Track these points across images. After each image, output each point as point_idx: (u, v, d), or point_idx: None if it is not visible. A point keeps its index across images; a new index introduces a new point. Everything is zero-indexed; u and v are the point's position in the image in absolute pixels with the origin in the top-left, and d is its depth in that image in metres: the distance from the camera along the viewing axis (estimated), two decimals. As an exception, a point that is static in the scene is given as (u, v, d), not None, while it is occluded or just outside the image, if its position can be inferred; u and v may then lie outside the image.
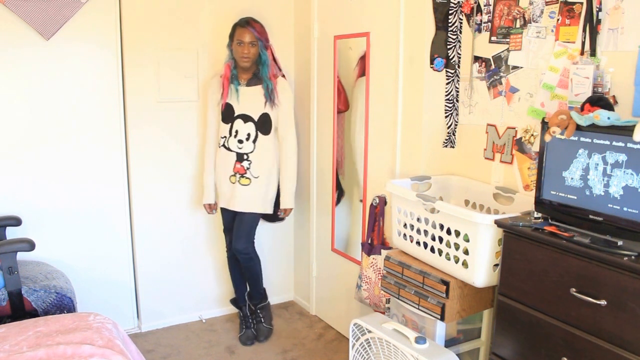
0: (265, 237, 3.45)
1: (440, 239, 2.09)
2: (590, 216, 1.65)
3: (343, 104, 3.04)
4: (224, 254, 3.24)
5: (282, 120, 2.97)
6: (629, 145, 1.54)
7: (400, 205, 2.30)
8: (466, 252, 1.98)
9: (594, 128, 1.64)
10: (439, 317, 2.07)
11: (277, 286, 3.61)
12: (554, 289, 1.66)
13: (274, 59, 3.03)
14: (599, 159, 1.63)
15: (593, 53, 1.88)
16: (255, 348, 3.08)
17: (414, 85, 2.50)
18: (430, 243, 2.15)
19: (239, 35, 2.86)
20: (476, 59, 2.37)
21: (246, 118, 2.93)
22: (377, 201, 2.64)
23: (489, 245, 1.93)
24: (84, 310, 2.72)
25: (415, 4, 2.45)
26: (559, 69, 2.01)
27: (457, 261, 2.03)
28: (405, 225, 2.29)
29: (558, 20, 2.00)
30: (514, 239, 1.79)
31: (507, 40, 2.21)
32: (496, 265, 1.94)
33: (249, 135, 2.92)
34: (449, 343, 2.21)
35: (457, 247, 2.02)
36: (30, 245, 2.34)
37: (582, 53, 1.92)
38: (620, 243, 1.55)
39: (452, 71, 2.45)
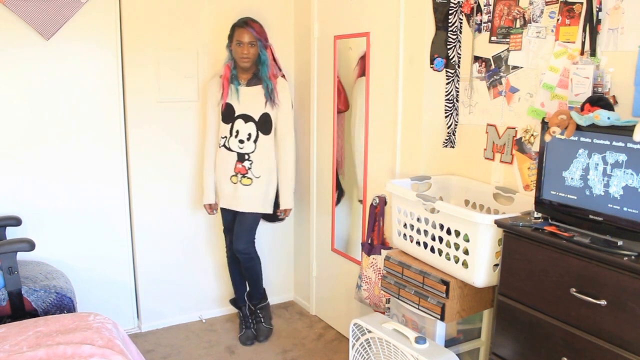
0: (265, 237, 3.45)
1: (440, 239, 2.09)
2: (590, 216, 1.65)
3: (343, 104, 3.04)
4: (224, 254, 3.24)
5: (281, 120, 2.98)
6: (629, 145, 1.54)
7: (400, 205, 2.30)
8: (466, 252, 1.98)
9: (594, 128, 1.64)
10: (439, 317, 2.07)
11: (277, 286, 3.61)
12: (554, 289, 1.66)
13: (274, 59, 3.03)
14: (599, 159, 1.63)
15: (593, 53, 1.88)
16: (255, 348, 3.08)
17: (414, 85, 2.50)
18: (430, 243, 2.15)
19: (238, 35, 2.86)
20: (476, 59, 2.37)
21: (247, 118, 2.93)
22: (377, 201, 2.64)
23: (489, 245, 1.93)
24: (84, 310, 2.72)
25: (415, 4, 2.45)
26: (559, 69, 2.01)
27: (457, 261, 2.03)
28: (405, 225, 2.29)
29: (558, 20, 2.00)
30: (514, 239, 1.79)
31: (507, 40, 2.21)
32: (496, 265, 1.94)
33: (250, 135, 2.93)
34: (449, 343, 2.21)
35: (457, 247, 2.02)
36: (30, 245, 2.34)
37: (582, 53, 1.92)
38: (620, 243, 1.55)
39: (452, 71, 2.45)
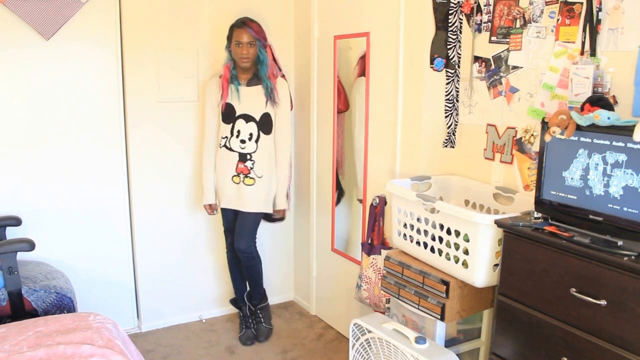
0: (265, 237, 3.45)
1: (440, 239, 2.09)
2: (590, 216, 1.65)
3: (343, 104, 3.04)
4: (224, 254, 3.24)
5: (279, 121, 2.98)
6: (629, 145, 1.54)
7: (400, 205, 2.30)
8: (466, 252, 1.98)
9: (594, 128, 1.64)
10: (439, 317, 2.07)
11: (277, 286, 3.61)
12: (554, 289, 1.66)
13: (274, 59, 3.03)
14: (599, 159, 1.63)
15: (593, 53, 1.88)
16: (255, 348, 3.08)
17: (414, 85, 2.50)
18: (430, 243, 2.15)
19: (236, 36, 2.86)
20: (476, 59, 2.37)
21: (248, 118, 2.93)
22: (377, 201, 2.64)
23: (489, 245, 1.93)
24: (84, 310, 2.72)
25: (415, 4, 2.45)
26: (559, 69, 2.01)
27: (457, 261, 2.03)
28: (405, 225, 2.29)
29: (558, 20, 2.00)
30: (514, 239, 1.79)
31: (507, 40, 2.21)
32: (496, 265, 1.94)
33: (251, 135, 2.93)
34: (449, 343, 2.21)
35: (457, 247, 2.02)
36: (30, 245, 2.34)
37: (582, 53, 1.92)
38: (620, 243, 1.55)
39: (452, 71, 2.45)
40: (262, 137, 2.95)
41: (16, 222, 2.69)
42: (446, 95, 2.48)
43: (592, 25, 1.87)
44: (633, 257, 1.48)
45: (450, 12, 2.39)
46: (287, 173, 3.05)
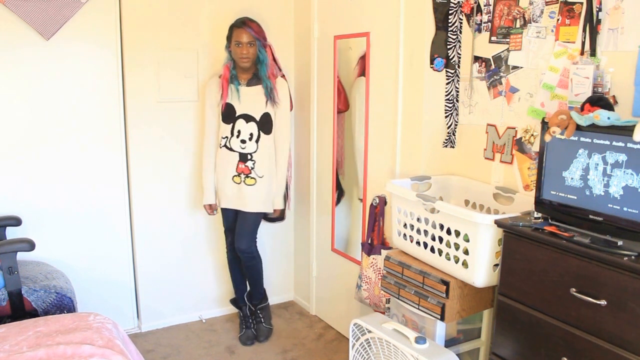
0: (265, 237, 3.45)
1: (440, 239, 2.09)
2: (590, 216, 1.65)
3: (343, 104, 3.04)
4: (224, 254, 3.24)
5: (278, 121, 2.98)
6: (629, 145, 1.54)
7: (400, 205, 2.30)
8: (466, 252, 1.98)
9: (594, 128, 1.64)
10: (439, 317, 2.07)
11: (277, 286, 3.61)
12: (554, 289, 1.66)
13: (274, 59, 3.03)
14: (599, 159, 1.63)
15: (593, 53, 1.88)
16: (255, 348, 3.08)
17: (414, 85, 2.50)
18: (430, 243, 2.15)
19: (236, 36, 2.86)
20: (476, 59, 2.37)
21: (248, 118, 2.93)
22: (377, 201, 2.64)
23: (489, 245, 1.93)
24: (84, 310, 2.72)
25: (415, 4, 2.45)
26: (559, 69, 2.01)
27: (457, 261, 2.03)
28: (405, 225, 2.29)
29: (558, 20, 2.00)
30: (514, 239, 1.79)
31: (507, 40, 2.21)
32: (496, 265, 1.94)
33: (251, 135, 2.93)
34: (449, 343, 2.21)
35: (457, 247, 2.02)
36: (30, 245, 2.34)
37: (582, 53, 1.92)
38: (620, 243, 1.55)
39: (452, 71, 2.45)
40: (262, 137, 2.95)
41: (16, 222, 2.69)
42: (446, 95, 2.48)
43: (592, 25, 1.87)
44: (633, 257, 1.48)
45: (450, 12, 2.39)
46: (285, 173, 3.05)
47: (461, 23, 2.41)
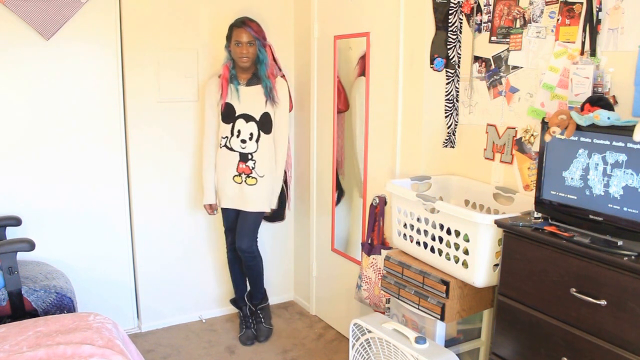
0: (265, 237, 3.45)
1: (440, 239, 2.09)
2: (590, 216, 1.65)
3: (343, 104, 3.04)
4: (224, 254, 3.24)
5: (277, 121, 2.98)
6: (629, 145, 1.54)
7: (400, 205, 2.30)
8: (466, 252, 1.98)
9: (594, 128, 1.64)
10: (439, 317, 2.07)
11: (277, 286, 3.61)
12: (554, 289, 1.66)
13: (274, 59, 3.03)
14: (599, 159, 1.63)
15: (593, 53, 1.88)
16: (255, 348, 3.08)
17: (414, 85, 2.50)
18: (430, 243, 2.15)
19: (236, 35, 2.86)
20: (476, 59, 2.37)
21: (248, 118, 2.93)
22: (377, 201, 2.64)
23: (489, 245, 1.93)
24: (84, 310, 2.72)
25: (415, 4, 2.45)
26: (559, 69, 2.01)
27: (457, 261, 2.03)
28: (405, 225, 2.29)
29: (558, 20, 2.00)
30: (514, 239, 1.79)
31: (507, 40, 2.21)
32: (496, 265, 1.94)
33: (251, 134, 2.93)
34: (449, 343, 2.21)
35: (457, 247, 2.02)
36: (30, 245, 2.34)
37: (582, 53, 1.92)
38: (620, 243, 1.55)
39: (452, 71, 2.45)
40: (262, 137, 2.95)
41: (16, 222, 2.69)
42: (446, 95, 2.48)
43: (592, 25, 1.87)
44: (633, 257, 1.48)
45: (450, 12, 2.39)
46: (282, 173, 3.05)
47: (461, 23, 2.41)
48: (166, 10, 3.02)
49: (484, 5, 2.30)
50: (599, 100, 1.75)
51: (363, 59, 2.81)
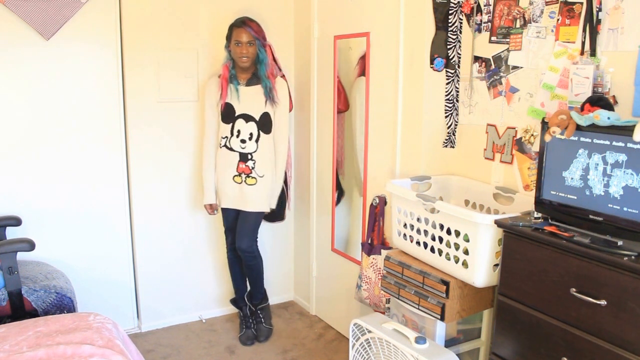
0: (265, 237, 3.45)
1: (440, 239, 2.09)
2: (590, 216, 1.65)
3: (343, 104, 3.04)
4: (224, 254, 3.24)
5: (277, 121, 2.98)
6: (629, 145, 1.54)
7: (400, 205, 2.30)
8: (466, 252, 1.98)
9: (594, 128, 1.64)
10: (439, 317, 2.07)
11: (277, 286, 3.61)
12: (554, 289, 1.66)
13: (274, 59, 3.03)
14: (599, 159, 1.63)
15: (593, 53, 1.88)
16: (255, 348, 3.08)
17: (414, 85, 2.50)
18: (430, 243, 2.15)
19: (236, 35, 2.86)
20: (476, 59, 2.37)
21: (248, 118, 2.93)
22: (377, 201, 2.64)
23: (489, 245, 1.93)
24: (84, 310, 2.72)
25: (415, 4, 2.45)
26: (559, 69, 2.01)
27: (457, 261, 2.03)
28: (405, 225, 2.29)
29: (558, 20, 2.00)
30: (514, 239, 1.79)
31: (507, 40, 2.21)
32: (496, 265, 1.94)
33: (251, 134, 2.93)
34: (449, 343, 2.21)
35: (457, 247, 2.02)
36: (30, 245, 2.34)
37: (582, 53, 1.92)
38: (620, 243, 1.55)
39: (452, 71, 2.45)
40: (262, 137, 2.95)
41: (16, 222, 2.69)
42: (446, 95, 2.48)
43: (592, 25, 1.87)
44: (633, 257, 1.48)
45: (450, 12, 2.39)
46: (283, 173, 3.05)
47: (461, 23, 2.41)
48: (166, 10, 3.02)
49: (484, 5, 2.30)
50: (599, 100, 1.75)
51: (363, 59, 2.81)
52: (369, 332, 2.14)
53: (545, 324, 1.70)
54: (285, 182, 3.17)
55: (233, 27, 2.90)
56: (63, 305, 2.41)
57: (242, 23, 2.87)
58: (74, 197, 2.95)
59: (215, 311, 3.45)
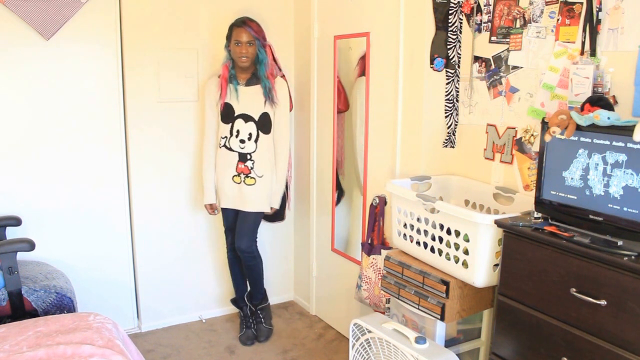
0: (265, 237, 3.45)
1: (440, 239, 2.09)
2: (590, 216, 1.65)
3: (343, 104, 3.04)
4: (224, 254, 3.24)
5: (277, 121, 2.98)
6: (629, 145, 1.54)
7: (400, 205, 2.30)
8: (466, 252, 1.98)
9: (594, 128, 1.64)
10: (439, 317, 2.07)
11: (277, 286, 3.61)
12: (554, 289, 1.66)
13: (274, 59, 3.03)
14: (599, 159, 1.63)
15: (593, 53, 1.88)
16: (255, 348, 3.08)
17: (414, 85, 2.50)
18: (430, 243, 2.15)
19: (236, 35, 2.86)
20: (476, 59, 2.37)
21: (247, 118, 2.93)
22: (377, 201, 2.64)
23: (489, 245, 1.93)
24: (84, 310, 2.72)
25: (415, 4, 2.45)
26: (559, 69, 2.01)
27: (457, 261, 2.03)
28: (405, 225, 2.29)
29: (558, 20, 2.00)
30: (514, 239, 1.79)
31: (507, 40, 2.21)
32: (496, 265, 1.94)
33: (250, 135, 2.93)
34: (449, 343, 2.21)
35: (457, 247, 2.02)
36: (30, 245, 2.34)
37: (582, 53, 1.92)
38: (620, 243, 1.55)
39: (452, 71, 2.45)
40: (261, 137, 2.95)
41: (16, 222, 2.69)
42: (446, 95, 2.48)
43: (592, 25, 1.87)
44: (633, 257, 1.48)
45: (450, 12, 2.39)
46: (285, 173, 3.05)
47: (461, 23, 2.41)
48: (166, 10, 3.02)
49: (484, 5, 2.30)
50: (599, 100, 1.75)
51: (363, 59, 2.81)
52: (369, 332, 2.14)
53: (545, 324, 1.70)
54: (286, 182, 3.17)
55: (233, 27, 2.90)
56: (63, 305, 2.41)
57: (242, 23, 2.87)
58: (74, 197, 2.95)
59: (215, 311, 3.45)
